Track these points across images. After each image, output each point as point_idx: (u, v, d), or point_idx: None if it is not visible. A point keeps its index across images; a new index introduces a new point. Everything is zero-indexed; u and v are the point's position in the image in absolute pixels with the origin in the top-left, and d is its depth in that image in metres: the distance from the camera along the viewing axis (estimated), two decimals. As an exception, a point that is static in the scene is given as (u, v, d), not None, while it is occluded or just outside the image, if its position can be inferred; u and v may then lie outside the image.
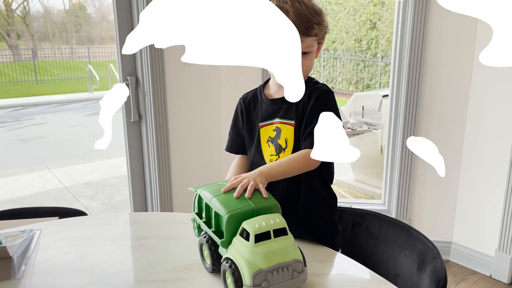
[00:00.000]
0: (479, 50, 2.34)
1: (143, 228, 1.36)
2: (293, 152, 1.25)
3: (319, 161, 1.21)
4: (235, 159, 1.40)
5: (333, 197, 1.34)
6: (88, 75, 10.60)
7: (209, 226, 1.04)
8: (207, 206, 1.04)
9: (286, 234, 0.94)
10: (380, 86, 8.88)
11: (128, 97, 2.41)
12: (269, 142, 1.29)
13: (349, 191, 4.04)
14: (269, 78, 1.38)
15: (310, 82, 1.27)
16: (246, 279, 0.90)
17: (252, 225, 0.92)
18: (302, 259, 0.94)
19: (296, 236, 1.00)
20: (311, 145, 1.22)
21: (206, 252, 1.06)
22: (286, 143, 1.27)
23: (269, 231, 0.92)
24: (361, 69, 9.39)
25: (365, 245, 1.40)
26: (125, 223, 1.44)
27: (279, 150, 1.28)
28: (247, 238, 0.92)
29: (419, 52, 2.39)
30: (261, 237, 0.91)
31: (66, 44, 13.38)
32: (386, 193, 2.66)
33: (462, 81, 2.43)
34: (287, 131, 1.26)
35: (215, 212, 1.00)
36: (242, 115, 1.35)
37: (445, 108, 2.48)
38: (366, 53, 9.34)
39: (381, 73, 8.94)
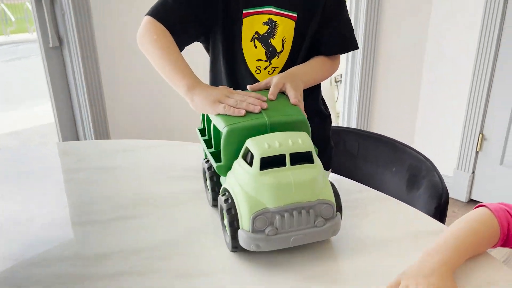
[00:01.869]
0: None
1: (76, 160, 1.07)
2: (291, 60, 0.94)
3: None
4: (163, 39, 0.86)
5: (327, 108, 1.09)
6: (1, 17, 9.42)
7: (209, 147, 0.78)
8: (208, 118, 0.79)
9: (311, 162, 0.67)
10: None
11: (42, 17, 1.99)
12: (256, 41, 0.93)
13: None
14: None
15: None
16: (244, 220, 0.64)
17: (259, 144, 0.65)
18: (333, 200, 0.67)
19: None
20: (339, 51, 0.98)
21: (207, 182, 0.81)
22: (282, 44, 0.93)
23: (283, 155, 0.64)
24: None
25: (343, 166, 1.20)
26: (51, 155, 1.14)
27: (272, 54, 0.94)
28: (250, 163, 0.65)
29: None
30: (271, 162, 0.64)
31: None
32: (345, 113, 2.49)
33: (424, -9, 2.25)
34: (286, 26, 0.92)
35: (214, 125, 0.73)
36: None
37: (407, 21, 2.30)
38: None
39: None
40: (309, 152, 0.66)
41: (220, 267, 0.69)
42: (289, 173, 0.64)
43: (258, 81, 0.91)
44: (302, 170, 0.65)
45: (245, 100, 0.74)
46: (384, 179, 1.15)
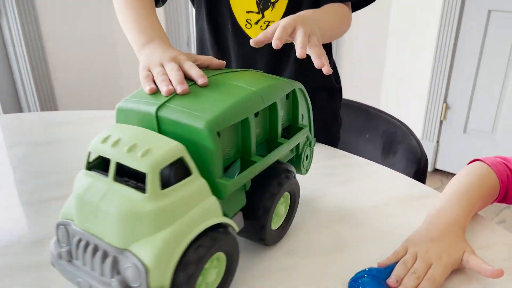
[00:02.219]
0: None
1: (18, 133, 0.94)
2: (290, 13, 0.73)
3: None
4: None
5: (338, 79, 0.95)
6: None
7: None
8: None
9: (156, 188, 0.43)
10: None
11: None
12: None
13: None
14: None
15: None
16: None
17: (103, 135, 0.47)
18: (152, 260, 0.42)
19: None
20: None
21: None
22: None
23: (115, 161, 0.44)
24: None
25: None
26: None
27: (265, 5, 0.79)
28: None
29: None
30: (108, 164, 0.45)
31: None
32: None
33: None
34: None
35: None
36: None
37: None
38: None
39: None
40: (144, 174, 0.42)
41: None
42: (105, 188, 0.44)
43: (249, 38, 0.76)
44: (124, 194, 0.43)
45: (170, 73, 0.54)
46: (358, 147, 1.08)
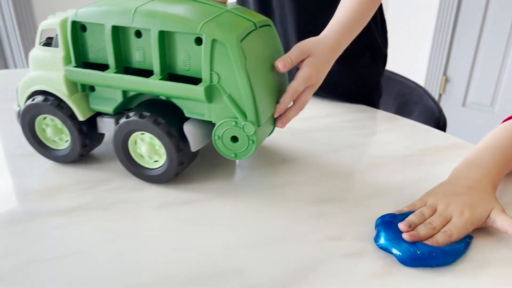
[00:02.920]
0: None
1: (5, 89, 0.88)
2: None
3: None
4: None
5: (386, 43, 0.88)
6: None
7: None
8: None
9: None
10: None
11: None
12: None
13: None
14: None
15: None
16: None
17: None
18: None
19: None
20: None
21: None
22: None
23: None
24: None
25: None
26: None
27: None
28: None
29: None
30: None
31: None
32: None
33: None
34: None
35: None
36: None
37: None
38: None
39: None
40: None
41: (218, 191, 0.56)
42: None
43: None
44: None
45: None
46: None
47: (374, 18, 0.81)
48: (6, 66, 1.82)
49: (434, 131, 0.74)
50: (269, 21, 0.57)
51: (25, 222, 0.51)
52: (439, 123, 0.84)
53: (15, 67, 1.81)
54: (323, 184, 0.59)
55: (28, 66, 1.67)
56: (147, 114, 0.53)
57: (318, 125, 0.75)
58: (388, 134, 0.74)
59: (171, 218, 0.52)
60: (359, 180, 0.60)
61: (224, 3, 0.55)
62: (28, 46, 1.77)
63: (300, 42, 0.59)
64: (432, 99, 0.90)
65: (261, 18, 0.55)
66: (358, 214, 0.52)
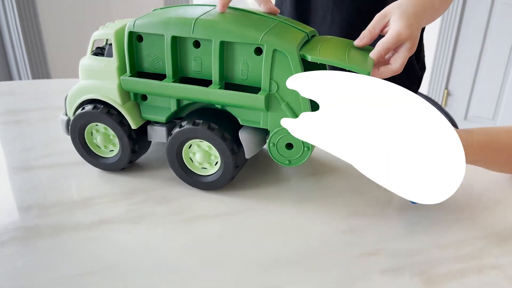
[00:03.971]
0: None
1: (17, 100, 0.88)
2: None
3: None
4: None
5: (424, 65, 0.87)
6: None
7: None
8: None
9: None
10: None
11: None
12: None
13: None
14: None
15: None
16: None
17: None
18: None
19: None
20: None
21: None
22: None
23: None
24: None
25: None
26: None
27: None
28: None
29: None
30: None
31: None
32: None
33: None
34: None
35: None
36: None
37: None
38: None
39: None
40: None
41: (248, 204, 0.57)
42: None
43: None
44: None
45: None
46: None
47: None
48: (10, 77, 1.82)
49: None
50: (315, 31, 0.59)
51: (52, 236, 0.51)
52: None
53: (20, 78, 1.81)
54: (352, 198, 0.59)
55: (32, 78, 1.66)
56: (216, 126, 0.54)
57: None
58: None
59: (203, 232, 0.52)
60: (387, 193, 0.60)
61: (275, 13, 0.57)
62: (33, 57, 1.77)
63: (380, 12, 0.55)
64: (444, 110, 0.92)
65: (309, 28, 0.57)
66: (389, 229, 0.53)
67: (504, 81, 2.13)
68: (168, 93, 0.55)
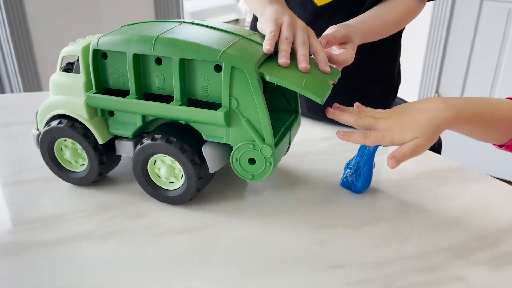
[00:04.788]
0: None
1: (7, 113, 0.89)
2: None
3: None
4: None
5: (399, 73, 0.91)
6: None
7: None
8: None
9: None
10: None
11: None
12: None
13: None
14: None
15: None
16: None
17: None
18: None
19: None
20: None
21: None
22: None
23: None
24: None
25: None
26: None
27: None
28: None
29: None
30: None
31: None
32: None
33: None
34: None
35: None
36: None
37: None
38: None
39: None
40: None
41: (221, 218, 0.58)
42: None
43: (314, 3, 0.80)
44: None
45: (299, 48, 0.56)
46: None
47: (388, 50, 0.85)
48: (2, 91, 1.83)
49: (430, 153, 0.75)
50: None
51: (21, 253, 0.52)
52: (435, 145, 0.87)
53: (11, 91, 1.82)
54: (322, 210, 0.60)
55: (24, 91, 1.66)
56: (174, 139, 0.55)
57: (316, 148, 0.77)
58: (383, 156, 0.75)
59: (172, 247, 0.53)
60: (357, 206, 0.61)
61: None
62: (24, 70, 1.77)
63: (342, 25, 0.63)
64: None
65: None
66: (357, 241, 0.54)
67: (494, 83, 2.14)
68: (132, 110, 0.56)
